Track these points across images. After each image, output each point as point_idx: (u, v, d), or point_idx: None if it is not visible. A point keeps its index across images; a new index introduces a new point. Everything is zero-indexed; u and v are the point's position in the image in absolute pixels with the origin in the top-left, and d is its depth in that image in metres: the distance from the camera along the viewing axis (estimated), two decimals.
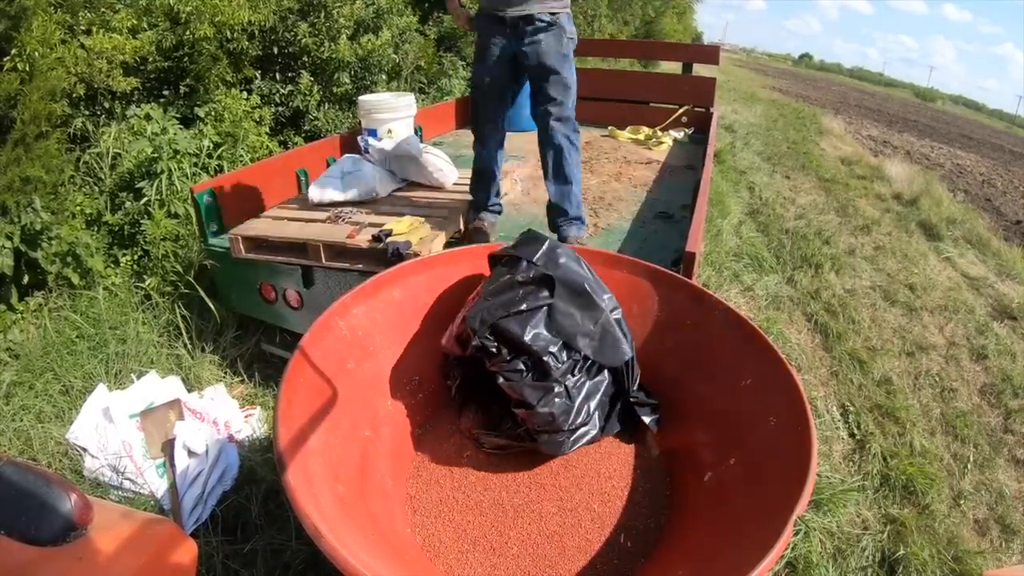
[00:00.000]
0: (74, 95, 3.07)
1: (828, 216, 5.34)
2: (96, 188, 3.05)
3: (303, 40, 4.12)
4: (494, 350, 1.31)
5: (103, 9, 3.25)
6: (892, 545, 1.95)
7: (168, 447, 1.78)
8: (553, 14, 2.06)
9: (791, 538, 1.22)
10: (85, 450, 1.79)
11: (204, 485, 1.72)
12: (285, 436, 1.01)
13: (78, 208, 2.80)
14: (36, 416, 1.93)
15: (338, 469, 1.12)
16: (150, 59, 3.41)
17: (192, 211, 2.44)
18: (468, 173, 2.48)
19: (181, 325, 2.36)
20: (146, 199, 2.86)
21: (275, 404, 1.06)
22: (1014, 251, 5.38)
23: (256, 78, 4.12)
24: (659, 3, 15.63)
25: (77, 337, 2.22)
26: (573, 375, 1.35)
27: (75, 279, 2.46)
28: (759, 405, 1.22)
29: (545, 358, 1.30)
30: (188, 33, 3.41)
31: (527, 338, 1.30)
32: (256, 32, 3.90)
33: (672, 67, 7.65)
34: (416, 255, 1.96)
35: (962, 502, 2.25)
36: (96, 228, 2.86)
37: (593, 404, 1.35)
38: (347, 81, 4.42)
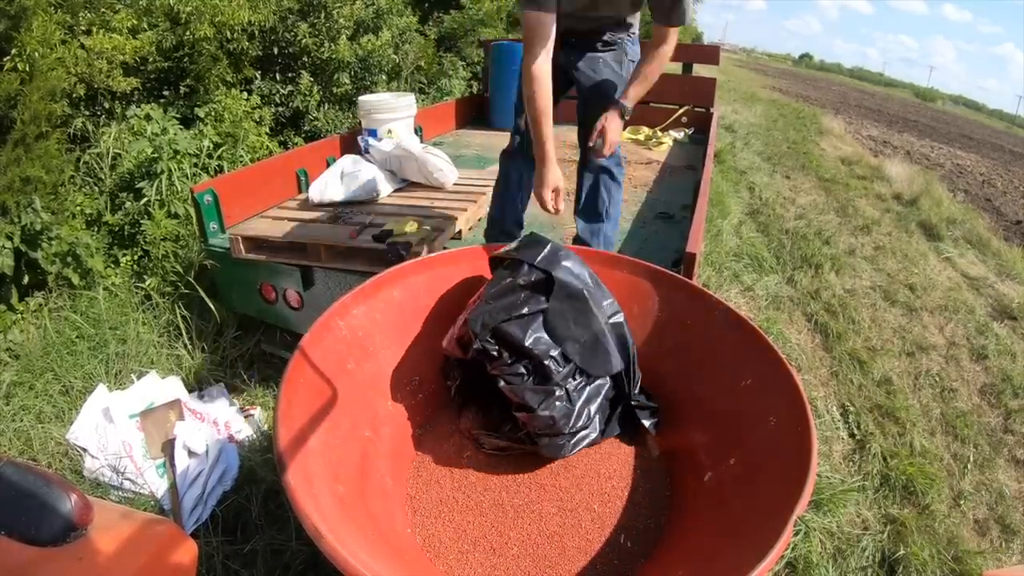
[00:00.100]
0: (74, 95, 3.07)
1: (828, 216, 5.34)
2: (96, 188, 3.05)
3: (303, 40, 4.13)
4: (495, 353, 1.30)
5: (103, 9, 3.26)
6: (892, 545, 1.95)
7: (168, 447, 1.78)
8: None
9: (791, 538, 1.22)
10: (85, 450, 1.79)
11: (204, 485, 1.72)
12: (285, 436, 1.01)
13: (78, 208, 2.80)
14: (36, 416, 1.93)
15: (338, 469, 1.12)
16: (150, 59, 3.42)
17: (192, 211, 2.44)
18: (468, 173, 2.46)
19: (181, 325, 2.36)
20: (146, 199, 2.86)
21: (275, 404, 1.06)
22: (1014, 251, 5.38)
23: (256, 78, 4.12)
24: None
25: (77, 337, 2.22)
26: (574, 379, 1.34)
27: (75, 279, 2.46)
28: (759, 405, 1.22)
29: (546, 362, 1.30)
30: (188, 33, 3.42)
31: (528, 342, 1.30)
32: (256, 32, 3.91)
33: (672, 67, 7.62)
34: (416, 255, 1.96)
35: (962, 502, 2.25)
36: (96, 228, 2.86)
37: (594, 408, 1.35)
38: (347, 81, 4.43)
